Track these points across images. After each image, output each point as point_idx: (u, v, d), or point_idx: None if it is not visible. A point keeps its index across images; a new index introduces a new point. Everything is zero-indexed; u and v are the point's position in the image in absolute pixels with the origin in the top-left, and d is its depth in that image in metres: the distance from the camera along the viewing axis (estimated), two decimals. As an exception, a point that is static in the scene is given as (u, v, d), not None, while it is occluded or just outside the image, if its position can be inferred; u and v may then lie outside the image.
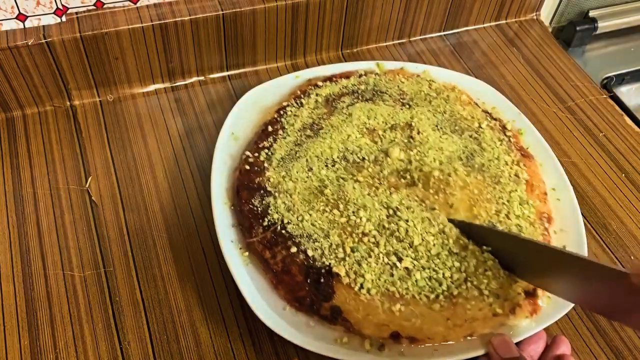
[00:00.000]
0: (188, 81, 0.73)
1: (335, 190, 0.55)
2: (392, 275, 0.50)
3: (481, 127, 0.63)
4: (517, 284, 0.50)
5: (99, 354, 0.50)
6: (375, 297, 0.49)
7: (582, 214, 0.58)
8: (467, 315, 0.48)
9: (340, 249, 0.51)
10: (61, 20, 0.63)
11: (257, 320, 0.49)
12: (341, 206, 0.54)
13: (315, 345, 0.48)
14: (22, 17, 0.62)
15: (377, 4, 0.74)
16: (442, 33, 0.83)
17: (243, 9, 0.67)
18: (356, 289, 0.49)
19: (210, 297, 0.54)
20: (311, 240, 0.52)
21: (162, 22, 0.65)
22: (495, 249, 0.51)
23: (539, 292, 0.50)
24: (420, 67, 0.72)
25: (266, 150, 0.60)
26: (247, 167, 0.58)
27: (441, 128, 0.62)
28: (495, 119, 0.66)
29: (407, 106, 0.65)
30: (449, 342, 0.48)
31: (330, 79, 0.68)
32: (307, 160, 0.58)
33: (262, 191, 0.56)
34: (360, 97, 0.65)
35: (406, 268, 0.50)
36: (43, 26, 0.63)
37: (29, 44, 0.61)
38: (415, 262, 0.50)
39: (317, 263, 0.50)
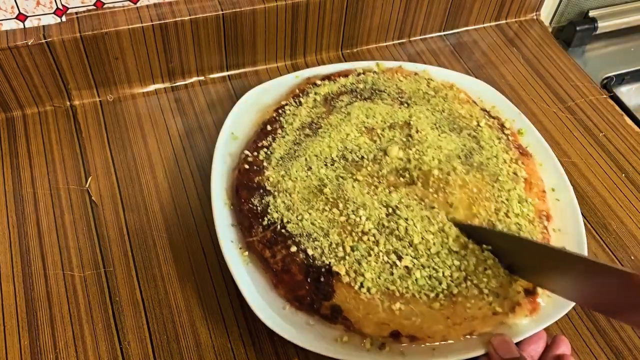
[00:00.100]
0: (188, 81, 0.73)
1: (335, 189, 0.55)
2: (392, 274, 0.50)
3: (479, 126, 0.63)
4: (516, 283, 0.50)
5: (99, 354, 0.50)
6: (375, 296, 0.49)
7: (582, 214, 0.58)
8: (467, 313, 0.48)
9: (340, 248, 0.51)
10: (61, 20, 0.64)
11: (257, 320, 0.49)
12: (340, 205, 0.54)
13: (316, 345, 0.48)
14: (22, 17, 0.62)
15: (377, 4, 0.74)
16: (442, 33, 0.83)
17: (243, 9, 0.67)
18: (356, 287, 0.49)
19: (210, 297, 0.54)
20: (311, 239, 0.52)
21: (162, 22, 0.65)
22: (495, 248, 0.51)
23: (539, 290, 0.50)
24: (420, 67, 0.72)
25: (265, 150, 0.60)
26: (246, 166, 0.58)
27: (440, 126, 0.62)
28: (493, 117, 0.66)
29: (406, 105, 0.65)
30: (448, 341, 0.48)
31: (328, 77, 0.68)
32: (306, 159, 0.58)
33: (261, 190, 0.56)
34: (358, 96, 0.65)
35: (406, 267, 0.50)
36: (43, 26, 0.63)
37: (29, 44, 0.61)
38: (415, 261, 0.50)
39: (317, 262, 0.50)
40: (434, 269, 0.50)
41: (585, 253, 0.55)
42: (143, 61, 0.68)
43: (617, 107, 0.76)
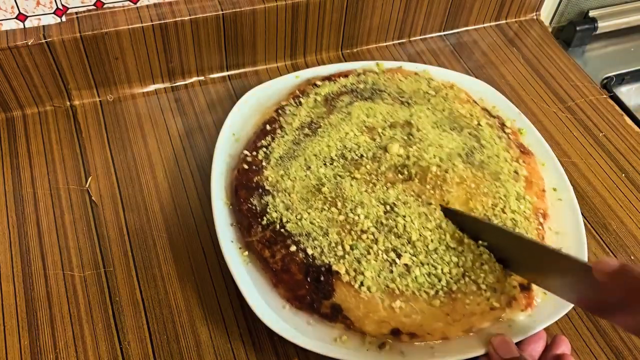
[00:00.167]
0: (188, 81, 0.73)
1: (333, 188, 0.55)
2: (391, 272, 0.50)
3: (480, 125, 0.63)
4: (512, 278, 0.50)
5: (99, 354, 0.50)
6: (376, 295, 0.49)
7: (582, 214, 0.58)
8: (465, 310, 0.48)
9: (340, 247, 0.51)
10: (61, 20, 0.64)
11: (257, 320, 0.49)
12: (339, 204, 0.54)
13: (315, 344, 0.48)
14: (22, 17, 0.62)
15: (377, 4, 0.74)
16: (442, 33, 0.83)
17: (243, 9, 0.67)
18: (356, 286, 0.49)
19: (210, 297, 0.54)
20: (310, 238, 0.52)
21: (162, 22, 0.65)
22: (488, 242, 0.51)
23: (534, 285, 0.51)
24: (420, 67, 0.72)
25: (264, 149, 0.60)
26: (245, 166, 0.58)
27: (440, 126, 0.62)
28: (494, 117, 0.66)
29: (406, 104, 0.65)
30: (447, 339, 0.48)
31: (329, 78, 0.68)
32: (305, 158, 0.58)
33: (260, 190, 0.56)
34: (359, 96, 0.65)
35: (405, 264, 0.50)
36: (43, 26, 0.63)
37: (29, 44, 0.61)
38: (414, 258, 0.50)
39: (316, 261, 0.50)
40: (432, 266, 0.50)
41: (586, 253, 0.55)
42: (143, 61, 0.68)
43: (617, 107, 0.76)
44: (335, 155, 0.59)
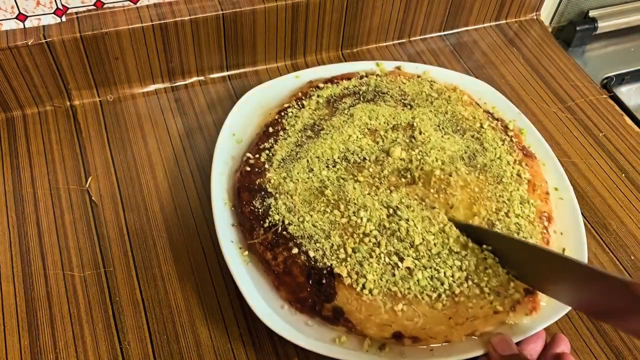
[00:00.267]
0: (188, 81, 0.73)
1: (336, 190, 0.55)
2: (393, 275, 0.50)
3: (483, 128, 0.63)
4: (516, 282, 0.50)
5: (99, 354, 0.50)
6: (378, 298, 0.49)
7: (582, 214, 0.58)
8: (468, 313, 0.48)
9: (342, 250, 0.51)
10: (61, 20, 0.63)
11: (257, 320, 0.49)
12: (342, 207, 0.54)
13: (316, 345, 0.48)
14: (22, 17, 0.61)
15: (377, 4, 0.74)
16: (442, 33, 0.83)
17: (243, 9, 0.67)
18: (358, 289, 0.49)
19: (210, 297, 0.54)
20: (312, 241, 0.52)
21: (162, 22, 0.65)
22: (495, 249, 0.51)
23: None
24: (420, 67, 0.72)
25: (267, 152, 0.59)
26: (248, 168, 0.58)
27: (443, 128, 0.63)
28: (496, 119, 0.66)
29: (409, 107, 0.65)
30: (450, 341, 0.48)
31: (331, 80, 0.68)
32: (307, 161, 0.58)
33: (262, 192, 0.56)
34: (361, 98, 0.65)
35: (408, 268, 0.50)
36: (43, 26, 0.63)
37: (29, 44, 0.61)
38: (416, 262, 0.50)
39: (318, 264, 0.50)
40: (435, 269, 0.50)
41: (586, 253, 0.55)
42: (143, 61, 0.68)
43: (617, 107, 0.76)
44: (338, 158, 0.58)
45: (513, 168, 0.59)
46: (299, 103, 0.65)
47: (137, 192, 0.61)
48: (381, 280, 0.50)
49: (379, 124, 0.62)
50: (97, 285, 0.54)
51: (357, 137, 0.60)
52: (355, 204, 0.54)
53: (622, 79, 0.90)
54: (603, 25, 0.90)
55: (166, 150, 0.65)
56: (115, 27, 0.64)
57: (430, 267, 0.50)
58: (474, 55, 0.81)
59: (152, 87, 0.71)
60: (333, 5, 0.71)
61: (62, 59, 0.64)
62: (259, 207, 0.55)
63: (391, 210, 0.53)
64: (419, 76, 0.70)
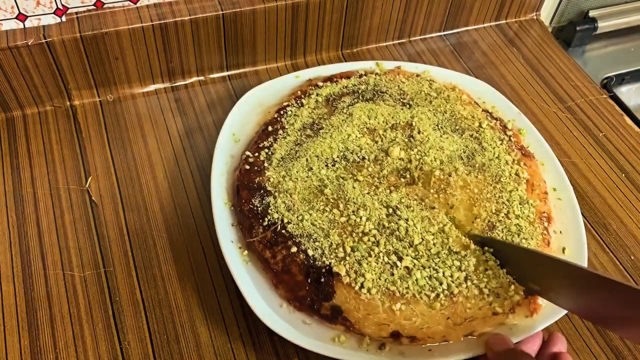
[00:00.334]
0: (188, 81, 0.73)
1: (335, 189, 0.55)
2: (392, 274, 0.50)
3: (482, 127, 0.63)
4: (517, 284, 0.50)
5: (99, 354, 0.50)
6: (376, 297, 0.49)
7: (582, 214, 0.58)
8: (467, 314, 0.48)
9: (341, 249, 0.51)
10: (61, 20, 0.63)
11: (257, 320, 0.49)
12: (341, 206, 0.54)
13: (316, 345, 0.48)
14: (22, 17, 0.62)
15: (377, 4, 0.74)
16: (442, 33, 0.83)
17: (243, 9, 0.67)
18: (357, 288, 0.49)
19: (210, 297, 0.54)
20: (311, 239, 0.52)
21: (162, 22, 0.65)
22: (496, 251, 0.51)
23: None
24: (420, 67, 0.72)
25: (266, 150, 0.60)
26: (247, 166, 0.58)
27: (442, 128, 0.63)
28: (495, 119, 0.66)
29: (408, 106, 0.65)
30: (448, 342, 0.48)
31: (330, 79, 0.68)
32: (307, 159, 0.58)
33: (262, 191, 0.56)
34: (360, 97, 0.65)
35: (406, 267, 0.50)
36: (43, 26, 0.63)
37: (29, 44, 0.61)
38: (415, 262, 0.50)
39: (317, 263, 0.50)
40: (434, 269, 0.50)
41: (585, 253, 0.55)
42: (143, 61, 0.68)
43: (617, 107, 0.76)
44: (337, 157, 0.59)
45: (512, 167, 0.59)
46: (298, 102, 0.65)
47: (137, 192, 0.61)
48: (380, 279, 0.50)
49: (378, 123, 0.62)
50: (97, 285, 0.54)
51: (356, 136, 0.60)
52: (354, 203, 0.54)
53: (622, 79, 0.90)
54: (603, 25, 0.90)
55: (166, 150, 0.65)
56: (115, 27, 0.64)
57: (429, 267, 0.50)
58: (474, 55, 0.81)
59: (152, 87, 0.71)
60: (333, 5, 0.71)
61: (62, 59, 0.64)
62: (258, 205, 0.55)
63: (390, 210, 0.54)
64: (418, 75, 0.70)
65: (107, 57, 0.66)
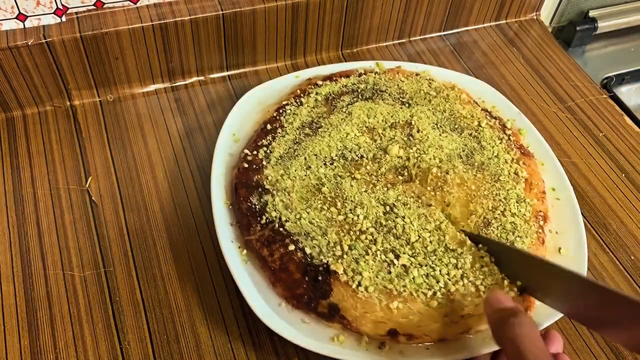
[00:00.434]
0: (188, 81, 0.73)
1: (333, 188, 0.55)
2: (389, 272, 0.50)
3: (481, 126, 0.63)
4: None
5: (99, 354, 0.50)
6: (373, 295, 0.49)
7: (582, 214, 0.58)
8: (463, 311, 0.48)
9: (338, 247, 0.51)
10: (61, 20, 0.64)
11: (257, 320, 0.49)
12: (339, 204, 0.54)
13: (315, 345, 0.48)
14: (22, 17, 0.62)
15: (377, 4, 0.74)
16: (442, 33, 0.83)
17: (243, 9, 0.67)
18: (354, 286, 0.49)
19: (210, 296, 0.54)
20: (309, 238, 0.52)
21: (162, 22, 0.65)
22: (491, 250, 0.51)
23: None
24: (420, 67, 0.72)
25: (265, 149, 0.60)
26: (246, 165, 0.58)
27: (441, 126, 0.63)
28: (495, 118, 0.66)
29: (407, 105, 0.65)
30: (445, 339, 0.48)
31: (330, 78, 0.68)
32: (305, 158, 0.58)
33: (260, 189, 0.56)
34: (360, 96, 0.65)
35: (403, 265, 0.50)
36: (43, 26, 0.63)
37: (29, 44, 0.61)
38: (412, 259, 0.50)
39: (314, 261, 0.50)
40: (431, 267, 0.50)
41: (585, 253, 0.55)
42: (143, 61, 0.68)
43: (617, 107, 0.76)
44: (336, 156, 0.59)
45: (510, 166, 0.59)
46: (298, 101, 0.65)
47: (137, 192, 0.61)
48: (377, 277, 0.49)
49: (377, 122, 0.62)
50: (97, 285, 0.54)
51: (355, 135, 0.60)
52: (352, 201, 0.54)
53: (622, 79, 0.90)
54: (603, 25, 0.90)
55: (166, 150, 0.65)
56: (115, 27, 0.64)
57: (426, 265, 0.50)
58: (474, 55, 0.81)
59: (152, 87, 0.71)
60: (333, 5, 0.71)
61: (62, 59, 0.64)
62: (256, 203, 0.55)
63: (388, 208, 0.54)
64: (417, 74, 0.70)
65: (107, 57, 0.66)
